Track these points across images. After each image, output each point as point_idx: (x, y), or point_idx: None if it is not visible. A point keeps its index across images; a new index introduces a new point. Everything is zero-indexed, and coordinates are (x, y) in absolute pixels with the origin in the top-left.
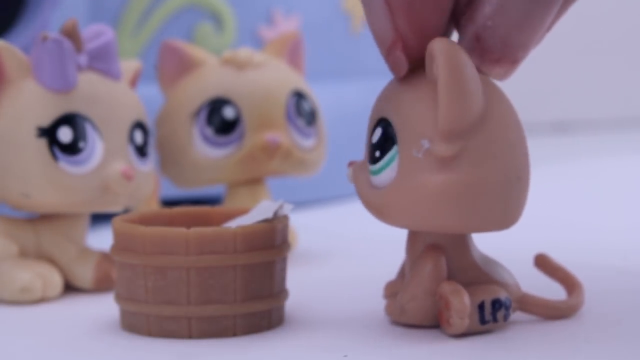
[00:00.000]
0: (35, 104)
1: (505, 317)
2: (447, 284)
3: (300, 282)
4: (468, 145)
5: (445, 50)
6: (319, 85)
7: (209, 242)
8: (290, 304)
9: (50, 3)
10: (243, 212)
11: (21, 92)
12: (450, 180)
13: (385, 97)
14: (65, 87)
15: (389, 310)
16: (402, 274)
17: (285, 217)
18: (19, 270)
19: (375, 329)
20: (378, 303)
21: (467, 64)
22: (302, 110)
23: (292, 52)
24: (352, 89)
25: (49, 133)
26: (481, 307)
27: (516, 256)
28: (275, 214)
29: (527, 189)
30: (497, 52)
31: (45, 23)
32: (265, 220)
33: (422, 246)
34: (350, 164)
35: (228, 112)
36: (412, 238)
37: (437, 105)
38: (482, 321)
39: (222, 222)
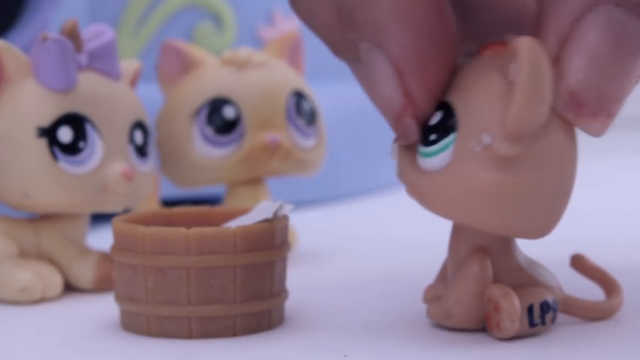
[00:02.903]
0: (35, 104)
1: (553, 320)
2: (496, 287)
3: (300, 282)
4: (528, 149)
5: (529, 50)
6: (319, 85)
7: (209, 242)
8: (290, 304)
9: (50, 3)
10: (243, 212)
11: (21, 92)
12: (503, 180)
13: (452, 83)
14: (66, 87)
15: (432, 314)
16: (442, 276)
17: (285, 217)
18: (19, 270)
19: (375, 329)
20: (378, 303)
21: (547, 67)
22: (302, 110)
23: (292, 52)
24: (352, 89)
25: (49, 133)
26: (530, 310)
27: None
28: (275, 214)
29: (567, 207)
30: (593, 106)
31: (45, 23)
32: (265, 220)
33: (465, 248)
34: (396, 139)
35: (228, 112)
36: (456, 239)
37: (508, 103)
38: (532, 324)
39: (222, 222)
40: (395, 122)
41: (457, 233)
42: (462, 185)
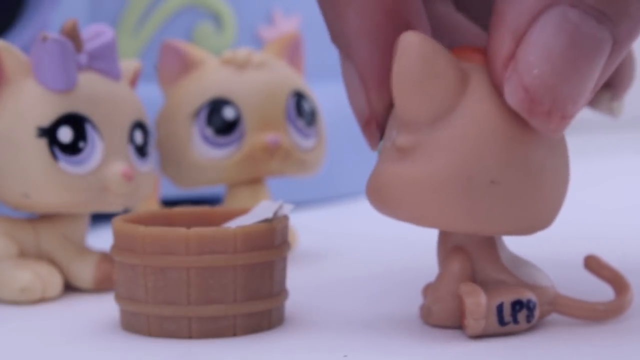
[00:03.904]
0: (35, 104)
1: (528, 319)
2: (465, 285)
3: (300, 282)
4: (426, 139)
5: (404, 44)
6: (319, 85)
7: (209, 242)
8: (290, 304)
9: (50, 3)
10: (243, 212)
11: (21, 92)
12: (401, 171)
13: None
14: (66, 87)
15: (420, 313)
16: None
17: (285, 217)
18: (19, 270)
19: (375, 329)
20: (378, 302)
21: (428, 58)
22: (302, 111)
23: (292, 52)
24: None
25: (49, 133)
26: (500, 308)
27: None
28: (275, 214)
29: (518, 197)
30: (547, 104)
31: (45, 23)
32: (265, 220)
33: (447, 248)
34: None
35: (228, 113)
36: (441, 240)
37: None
38: (501, 322)
39: (222, 222)
40: (363, 129)
41: (440, 234)
42: (374, 182)
